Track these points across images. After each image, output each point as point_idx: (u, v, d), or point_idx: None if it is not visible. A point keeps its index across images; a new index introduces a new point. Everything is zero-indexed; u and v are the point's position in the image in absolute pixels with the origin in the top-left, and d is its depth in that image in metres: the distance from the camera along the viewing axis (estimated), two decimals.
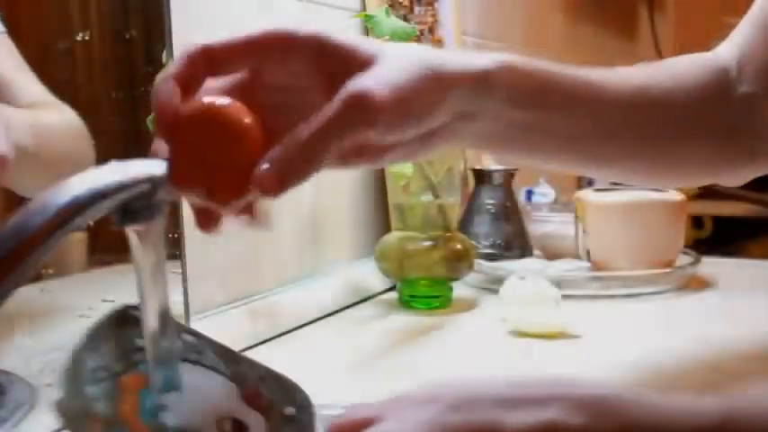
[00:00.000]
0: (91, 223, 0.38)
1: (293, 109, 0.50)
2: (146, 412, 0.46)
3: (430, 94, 0.50)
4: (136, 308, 0.44)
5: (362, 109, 0.46)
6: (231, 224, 0.49)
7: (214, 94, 0.48)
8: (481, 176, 1.14)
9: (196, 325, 0.76)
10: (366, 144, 0.51)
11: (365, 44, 0.50)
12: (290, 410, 0.50)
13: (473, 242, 1.03)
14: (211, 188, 0.45)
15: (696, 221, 2.23)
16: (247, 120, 0.45)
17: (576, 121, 0.59)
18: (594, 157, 0.63)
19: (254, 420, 0.48)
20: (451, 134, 0.54)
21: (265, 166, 0.45)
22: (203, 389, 0.48)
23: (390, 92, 0.47)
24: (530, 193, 1.39)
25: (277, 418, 0.49)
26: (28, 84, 0.67)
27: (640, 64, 0.65)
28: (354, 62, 0.48)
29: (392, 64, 0.49)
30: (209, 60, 0.48)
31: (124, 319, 0.46)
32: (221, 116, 0.45)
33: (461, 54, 0.54)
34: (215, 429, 0.48)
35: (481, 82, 0.53)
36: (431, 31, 1.20)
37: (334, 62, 0.49)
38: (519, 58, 0.56)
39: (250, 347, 0.83)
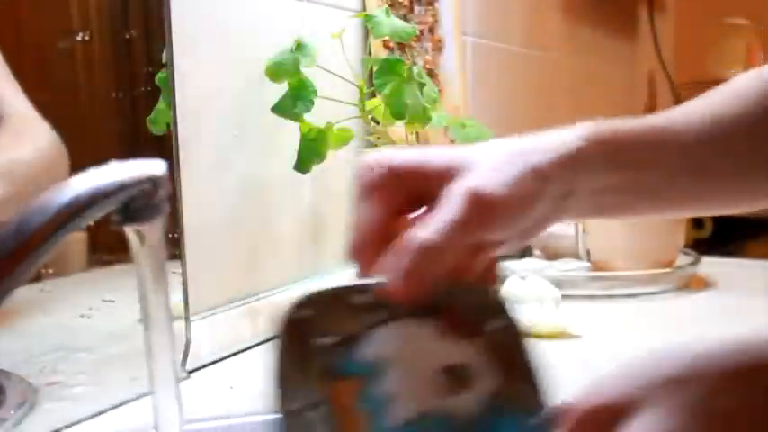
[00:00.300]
0: (91, 223, 0.38)
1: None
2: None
3: (532, 186, 0.50)
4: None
5: (479, 207, 0.46)
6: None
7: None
8: None
9: (196, 325, 0.76)
10: (481, 244, 0.50)
11: (457, 157, 0.50)
12: (492, 325, 0.46)
13: None
14: None
15: (696, 221, 2.23)
16: None
17: (666, 171, 0.59)
18: (692, 198, 0.62)
19: (467, 352, 0.45)
20: (555, 214, 0.53)
21: (396, 279, 0.45)
22: (404, 347, 0.45)
23: (501, 188, 0.48)
24: None
25: (485, 337, 0.46)
26: (11, 96, 0.67)
27: (702, 96, 0.64)
28: (452, 173, 0.49)
29: (487, 164, 0.49)
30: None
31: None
32: None
33: (547, 137, 0.54)
34: (440, 382, 0.45)
35: (575, 163, 0.53)
36: (431, 31, 1.20)
37: (430, 181, 0.49)
38: (603, 125, 0.56)
39: (250, 347, 0.84)
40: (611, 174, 0.56)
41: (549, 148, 0.53)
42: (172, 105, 0.73)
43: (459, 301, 0.46)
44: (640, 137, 0.58)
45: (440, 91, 1.03)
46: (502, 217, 0.48)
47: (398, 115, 0.88)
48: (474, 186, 0.47)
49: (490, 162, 0.49)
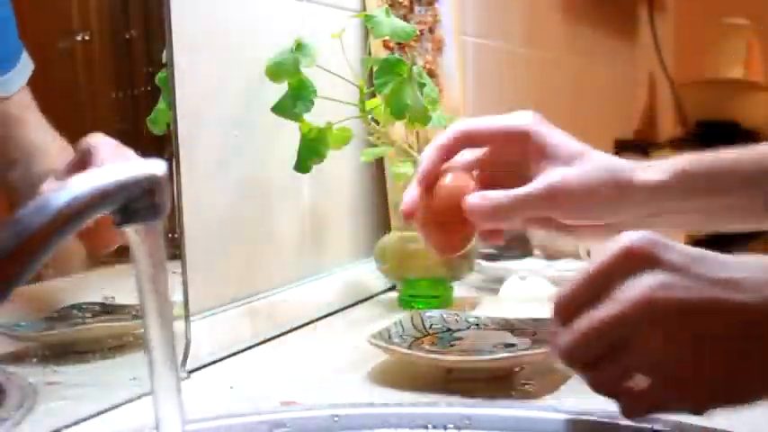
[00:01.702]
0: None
1: (505, 177, 0.68)
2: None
3: (608, 196, 0.66)
4: None
5: (551, 195, 0.65)
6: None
7: (459, 168, 0.68)
8: None
9: (196, 325, 0.76)
10: (550, 219, 0.68)
11: (575, 149, 0.67)
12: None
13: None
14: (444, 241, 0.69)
15: None
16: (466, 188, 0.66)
17: (747, 194, 0.70)
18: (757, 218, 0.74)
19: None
20: (646, 226, 0.62)
21: (481, 201, 0.65)
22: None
23: (574, 187, 0.65)
24: None
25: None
26: (41, 129, 0.68)
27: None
28: (565, 156, 0.66)
29: (585, 167, 0.65)
30: (466, 138, 0.68)
31: None
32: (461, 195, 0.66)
33: (645, 166, 0.67)
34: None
35: (659, 190, 0.66)
36: (431, 31, 1.20)
37: (548, 152, 0.66)
38: (687, 159, 0.68)
39: (250, 347, 0.84)
40: (695, 200, 0.69)
41: (641, 174, 0.66)
42: (172, 105, 0.73)
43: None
44: (722, 166, 0.69)
45: (440, 91, 1.03)
46: (567, 208, 0.66)
47: (398, 115, 0.88)
48: (555, 180, 0.65)
49: (588, 165, 0.66)
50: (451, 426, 0.60)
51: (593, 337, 0.49)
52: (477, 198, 0.65)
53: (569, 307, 0.50)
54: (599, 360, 0.49)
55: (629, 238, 0.50)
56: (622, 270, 0.49)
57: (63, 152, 0.69)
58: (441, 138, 0.68)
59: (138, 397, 0.66)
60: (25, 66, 0.67)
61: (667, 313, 0.48)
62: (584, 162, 0.66)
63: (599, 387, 0.50)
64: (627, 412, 0.51)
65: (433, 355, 0.72)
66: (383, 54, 1.06)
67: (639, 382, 0.50)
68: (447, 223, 0.67)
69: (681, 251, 0.50)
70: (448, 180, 0.67)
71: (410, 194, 0.67)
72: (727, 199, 0.70)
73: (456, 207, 0.65)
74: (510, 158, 0.68)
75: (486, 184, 0.67)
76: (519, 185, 0.66)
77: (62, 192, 0.36)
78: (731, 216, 0.72)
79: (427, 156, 0.68)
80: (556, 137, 0.67)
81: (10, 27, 0.66)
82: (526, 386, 0.70)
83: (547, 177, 0.65)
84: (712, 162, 0.69)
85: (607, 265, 0.50)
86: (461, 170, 0.68)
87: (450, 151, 0.68)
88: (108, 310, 0.74)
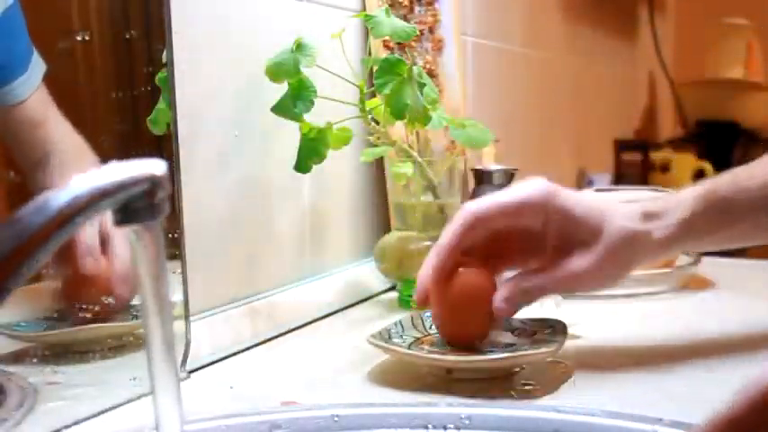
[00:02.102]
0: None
1: (518, 249, 0.73)
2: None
3: (626, 271, 0.72)
4: None
5: (570, 286, 0.71)
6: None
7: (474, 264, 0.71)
8: (481, 176, 1.14)
9: (196, 325, 0.76)
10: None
11: (593, 218, 0.70)
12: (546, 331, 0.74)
13: None
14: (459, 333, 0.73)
15: None
16: (489, 285, 0.71)
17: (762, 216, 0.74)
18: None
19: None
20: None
21: (502, 305, 0.69)
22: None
23: (592, 276, 0.70)
24: None
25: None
26: (59, 129, 0.69)
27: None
28: (582, 231, 0.69)
29: (603, 250, 0.69)
30: (479, 222, 0.69)
31: None
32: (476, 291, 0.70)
33: (659, 225, 0.71)
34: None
35: (674, 243, 0.72)
36: (431, 31, 1.20)
37: (570, 227, 0.70)
38: (700, 202, 0.72)
39: (250, 347, 0.84)
40: (712, 232, 0.73)
41: (656, 236, 0.71)
42: (172, 105, 0.73)
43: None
44: (735, 197, 0.73)
45: (440, 91, 1.03)
46: (589, 290, 0.77)
47: (398, 115, 0.88)
48: (574, 270, 0.70)
49: (610, 245, 0.69)
50: (451, 426, 0.60)
51: None
52: (503, 303, 0.69)
53: None
54: None
55: None
56: None
57: (81, 151, 0.69)
58: (453, 226, 0.69)
59: (138, 397, 0.66)
60: (37, 69, 0.67)
61: None
62: (601, 241, 0.69)
63: None
64: None
65: (432, 355, 0.72)
66: (383, 54, 1.06)
67: None
68: (463, 319, 0.71)
69: None
70: (463, 276, 0.70)
71: (423, 281, 0.70)
72: (741, 225, 0.73)
73: (473, 304, 0.70)
74: (524, 228, 0.71)
75: (498, 257, 0.72)
76: (533, 254, 0.71)
77: (62, 192, 0.36)
78: (745, 237, 0.76)
79: (441, 248, 0.69)
80: (574, 209, 0.70)
81: (21, 33, 0.66)
82: (526, 386, 0.70)
83: (566, 268, 0.69)
84: (724, 197, 0.72)
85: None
86: (476, 266, 0.71)
87: (463, 238, 0.69)
88: (108, 310, 0.74)
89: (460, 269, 0.70)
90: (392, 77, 0.88)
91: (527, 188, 0.70)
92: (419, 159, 0.96)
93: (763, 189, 0.73)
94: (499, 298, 0.69)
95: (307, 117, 0.86)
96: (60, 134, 0.69)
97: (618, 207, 0.72)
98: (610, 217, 0.70)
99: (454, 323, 0.72)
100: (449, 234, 0.69)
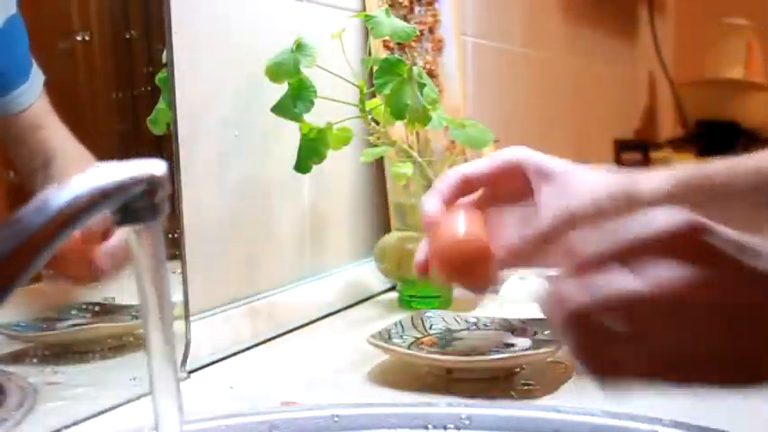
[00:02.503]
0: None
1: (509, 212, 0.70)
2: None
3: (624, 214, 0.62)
4: None
5: (568, 225, 0.65)
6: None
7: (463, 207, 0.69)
8: None
9: (196, 325, 0.76)
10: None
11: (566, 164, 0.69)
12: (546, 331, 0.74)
13: None
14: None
15: None
16: (483, 243, 0.66)
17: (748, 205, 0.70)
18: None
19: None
20: None
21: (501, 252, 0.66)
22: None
23: (589, 213, 0.66)
24: None
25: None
26: (58, 135, 0.69)
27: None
28: (565, 187, 0.68)
29: (592, 189, 0.67)
30: (464, 181, 0.69)
31: None
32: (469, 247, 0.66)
33: (648, 177, 0.68)
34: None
35: (666, 200, 0.66)
36: (431, 31, 1.20)
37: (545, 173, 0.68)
38: (687, 171, 0.69)
39: (250, 348, 0.84)
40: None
41: (648, 185, 0.67)
42: (172, 105, 0.73)
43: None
44: (717, 177, 0.69)
45: (440, 91, 1.03)
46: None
47: (398, 115, 0.88)
48: (568, 212, 0.65)
49: (590, 187, 0.67)
50: (451, 426, 0.60)
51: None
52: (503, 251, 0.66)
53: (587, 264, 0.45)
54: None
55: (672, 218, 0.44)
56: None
57: (81, 158, 0.69)
58: (438, 184, 0.69)
59: (138, 397, 0.66)
60: (37, 77, 0.67)
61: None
62: (580, 179, 0.68)
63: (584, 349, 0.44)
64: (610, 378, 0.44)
65: (432, 356, 0.72)
66: (383, 54, 1.06)
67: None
68: (467, 271, 0.67)
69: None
70: (460, 224, 0.67)
71: (422, 250, 0.68)
72: (729, 212, 0.69)
73: (473, 254, 0.66)
74: (509, 191, 0.70)
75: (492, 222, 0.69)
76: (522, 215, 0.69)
77: (62, 192, 0.36)
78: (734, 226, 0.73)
79: (427, 203, 0.68)
80: (549, 160, 0.69)
81: (22, 42, 0.66)
82: (526, 386, 0.70)
83: (565, 210, 0.67)
84: (710, 174, 0.69)
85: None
86: (469, 206, 0.69)
87: (449, 196, 0.69)
88: (108, 310, 0.74)
89: (455, 216, 0.67)
90: (392, 77, 0.88)
91: (505, 151, 0.71)
92: (419, 159, 0.96)
93: (755, 173, 0.70)
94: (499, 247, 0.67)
95: (307, 117, 0.86)
96: (60, 141, 0.69)
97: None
98: (585, 168, 0.71)
99: (460, 274, 0.68)
100: (433, 191, 0.69)
